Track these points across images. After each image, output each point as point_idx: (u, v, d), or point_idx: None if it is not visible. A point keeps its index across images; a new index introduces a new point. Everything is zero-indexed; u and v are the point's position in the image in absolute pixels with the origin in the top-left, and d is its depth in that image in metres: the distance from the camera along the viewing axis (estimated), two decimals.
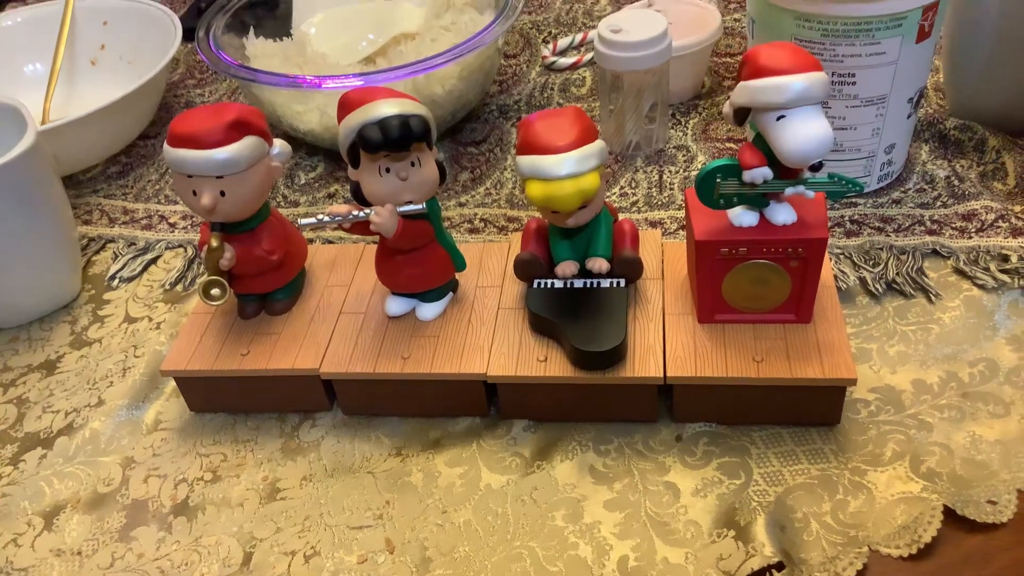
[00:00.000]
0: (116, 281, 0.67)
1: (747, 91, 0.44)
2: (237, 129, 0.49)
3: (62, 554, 0.49)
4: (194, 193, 0.49)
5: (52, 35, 0.86)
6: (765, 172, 0.45)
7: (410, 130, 0.46)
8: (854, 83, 0.58)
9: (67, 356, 0.61)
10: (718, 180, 0.46)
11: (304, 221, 0.49)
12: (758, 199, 0.47)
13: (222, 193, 0.49)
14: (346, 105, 0.48)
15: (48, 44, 0.86)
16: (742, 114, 0.46)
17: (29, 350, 0.62)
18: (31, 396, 0.59)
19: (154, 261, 0.68)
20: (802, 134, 0.43)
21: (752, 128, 0.47)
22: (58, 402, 0.58)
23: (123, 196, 0.75)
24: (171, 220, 0.72)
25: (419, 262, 0.52)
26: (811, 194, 0.46)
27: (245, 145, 0.49)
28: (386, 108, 0.47)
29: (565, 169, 0.47)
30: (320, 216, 0.49)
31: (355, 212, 0.49)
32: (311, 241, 0.66)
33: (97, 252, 0.70)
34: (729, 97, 0.47)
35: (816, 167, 0.45)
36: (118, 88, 0.74)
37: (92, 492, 0.52)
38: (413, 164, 0.48)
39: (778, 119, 0.44)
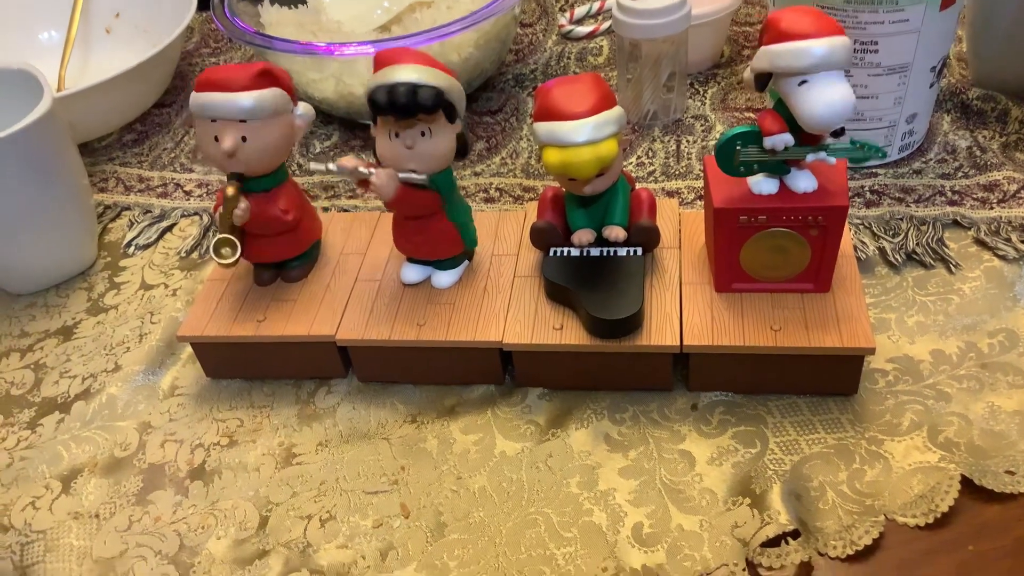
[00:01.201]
0: (132, 248, 0.67)
1: (768, 55, 0.44)
2: (264, 78, 0.49)
3: (80, 517, 0.49)
4: (216, 140, 0.49)
5: (67, 2, 0.86)
6: (786, 138, 0.45)
7: (416, 100, 0.46)
8: (876, 51, 0.57)
9: (84, 322, 0.61)
10: (738, 147, 0.46)
11: (314, 165, 0.49)
12: (779, 166, 0.46)
13: (244, 139, 0.49)
14: (378, 63, 0.48)
15: (63, 11, 0.86)
16: (763, 79, 0.45)
17: (46, 316, 0.62)
18: (48, 361, 0.59)
19: (170, 229, 0.68)
20: (824, 99, 0.43)
21: (772, 96, 0.46)
22: (75, 367, 0.58)
23: (139, 164, 0.75)
24: (187, 188, 0.72)
25: (423, 231, 0.52)
26: (832, 160, 0.46)
27: (270, 93, 0.49)
28: (404, 74, 0.46)
29: (583, 135, 0.47)
30: (330, 165, 0.49)
31: (361, 168, 0.48)
32: (326, 209, 0.66)
33: (113, 220, 0.70)
34: (749, 63, 0.46)
35: (838, 133, 0.45)
36: (133, 56, 0.73)
37: (109, 456, 0.52)
38: (423, 134, 0.47)
39: (800, 84, 0.43)
